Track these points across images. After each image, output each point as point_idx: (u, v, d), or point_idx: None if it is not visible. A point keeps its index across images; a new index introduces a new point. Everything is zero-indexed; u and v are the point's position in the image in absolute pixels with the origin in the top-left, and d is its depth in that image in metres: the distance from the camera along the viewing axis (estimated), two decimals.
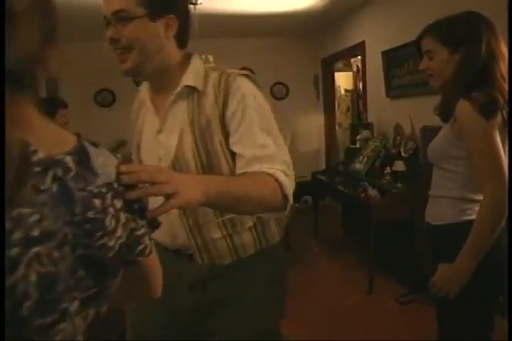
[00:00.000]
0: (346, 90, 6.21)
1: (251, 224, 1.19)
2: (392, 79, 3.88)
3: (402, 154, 3.36)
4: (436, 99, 1.51)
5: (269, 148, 1.07)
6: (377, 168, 3.57)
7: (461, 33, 1.34)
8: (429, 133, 2.51)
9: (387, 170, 3.27)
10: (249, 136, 1.08)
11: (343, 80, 6.16)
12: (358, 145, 4.14)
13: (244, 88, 1.10)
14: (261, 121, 1.11)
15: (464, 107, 1.28)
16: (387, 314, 2.79)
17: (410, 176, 3.07)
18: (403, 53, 3.52)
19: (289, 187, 1.02)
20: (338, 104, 6.09)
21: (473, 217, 1.32)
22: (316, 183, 4.36)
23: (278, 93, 6.08)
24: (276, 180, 1.00)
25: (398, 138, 3.61)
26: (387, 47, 3.84)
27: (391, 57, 3.83)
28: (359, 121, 5.50)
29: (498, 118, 1.25)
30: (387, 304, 2.91)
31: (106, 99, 5.87)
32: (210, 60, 4.24)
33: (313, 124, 6.13)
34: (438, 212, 1.46)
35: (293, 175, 1.08)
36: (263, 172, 1.01)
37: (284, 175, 1.02)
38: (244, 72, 1.17)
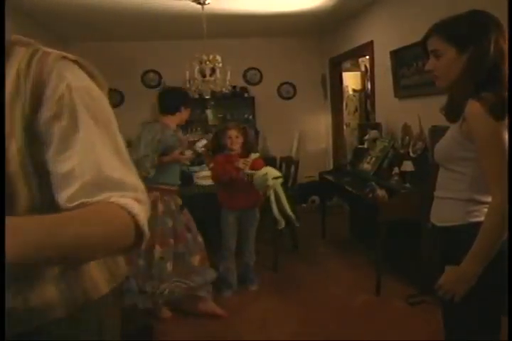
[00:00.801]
0: (354, 90, 6.19)
1: (56, 271, 0.81)
2: (401, 79, 3.86)
3: (411, 154, 3.34)
4: (445, 99, 1.50)
5: (114, 168, 0.76)
6: (385, 169, 3.56)
7: (469, 32, 1.31)
8: (438, 133, 2.50)
9: (396, 170, 3.25)
10: (85, 150, 0.74)
11: (351, 80, 6.14)
12: (366, 146, 4.13)
13: (72, 77, 0.75)
14: (100, 128, 0.76)
15: (473, 108, 1.26)
16: (396, 314, 2.77)
17: (419, 176, 3.06)
18: (412, 53, 3.50)
19: (145, 218, 0.76)
20: (346, 104, 6.07)
21: (481, 218, 1.30)
22: (324, 183, 4.35)
23: (285, 93, 6.08)
24: (129, 212, 0.72)
25: (407, 138, 3.59)
26: (395, 47, 3.83)
27: (400, 57, 3.81)
28: (367, 121, 5.48)
29: (508, 119, 1.24)
30: (395, 305, 2.89)
31: (114, 99, 5.89)
32: (218, 59, 4.25)
33: (320, 124, 6.12)
34: (444, 214, 1.44)
35: (146, 199, 0.79)
36: (112, 203, 0.72)
37: (137, 202, 0.75)
38: (70, 55, 0.79)
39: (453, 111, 1.40)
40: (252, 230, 3.21)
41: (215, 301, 2.91)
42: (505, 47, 1.30)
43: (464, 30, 1.33)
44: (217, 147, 3.18)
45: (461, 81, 1.34)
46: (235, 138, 3.06)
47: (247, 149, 3.12)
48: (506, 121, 1.23)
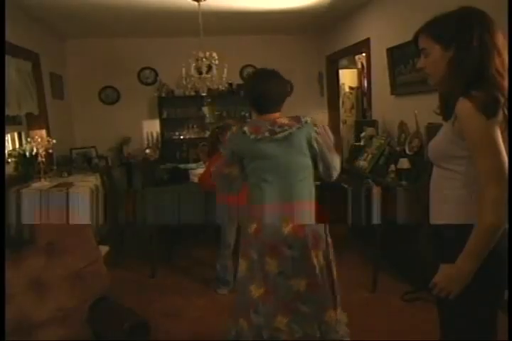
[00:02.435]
0: (351, 87, 6.19)
1: None
2: (397, 77, 3.87)
3: (407, 152, 3.35)
4: None
5: None
6: (381, 166, 3.56)
7: (452, 29, 1.31)
8: (434, 130, 2.49)
9: (392, 167, 3.26)
10: None
11: (347, 77, 6.14)
12: (362, 143, 4.13)
13: None
14: None
15: (464, 106, 1.25)
16: (391, 312, 2.78)
17: (415, 174, 3.06)
18: (408, 50, 3.50)
19: None
20: (343, 102, 6.07)
21: (475, 216, 1.30)
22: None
23: None
24: None
25: (403, 135, 3.60)
26: (392, 45, 3.83)
27: (396, 55, 3.81)
28: (363, 119, 5.48)
29: (500, 117, 1.23)
30: (391, 302, 2.90)
31: (110, 96, 5.87)
32: (214, 56, 4.24)
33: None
34: (439, 212, 1.44)
35: None
36: None
37: None
38: None
39: (445, 110, 1.39)
40: None
41: (212, 298, 2.90)
42: (492, 43, 1.27)
43: (448, 28, 1.32)
44: (216, 144, 3.16)
45: (449, 79, 1.34)
46: None
47: None
48: (498, 119, 1.23)
